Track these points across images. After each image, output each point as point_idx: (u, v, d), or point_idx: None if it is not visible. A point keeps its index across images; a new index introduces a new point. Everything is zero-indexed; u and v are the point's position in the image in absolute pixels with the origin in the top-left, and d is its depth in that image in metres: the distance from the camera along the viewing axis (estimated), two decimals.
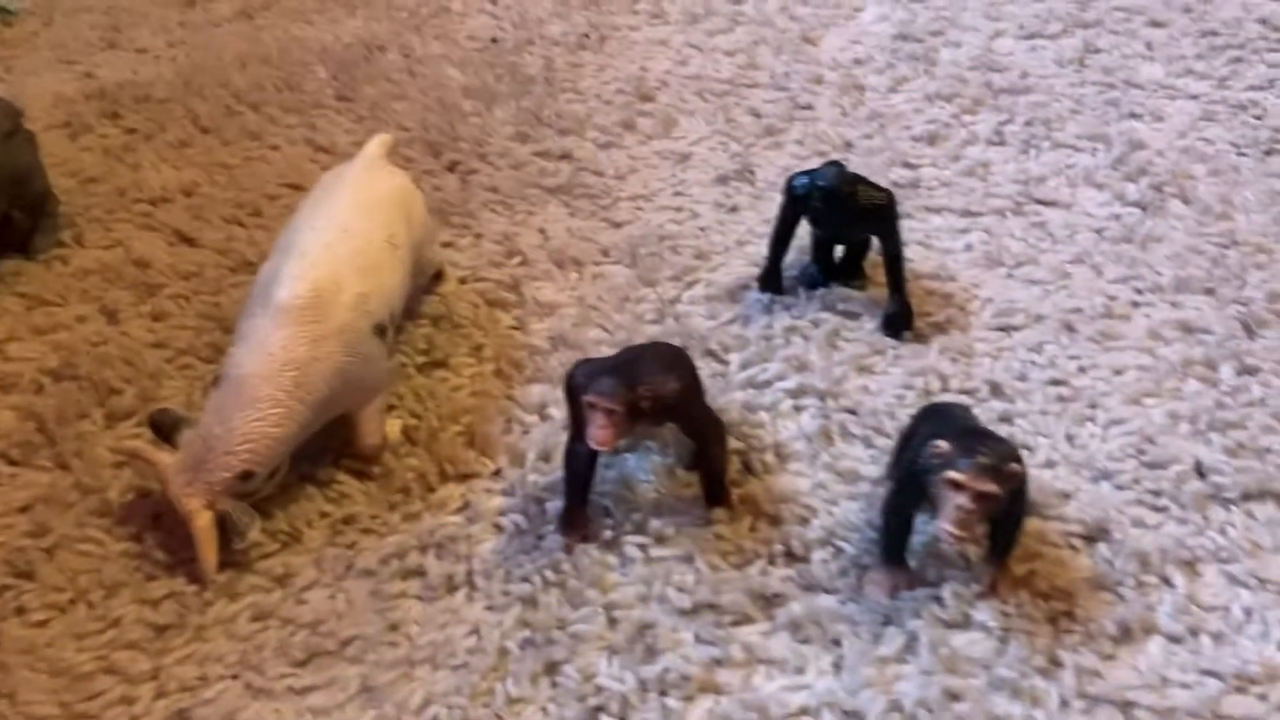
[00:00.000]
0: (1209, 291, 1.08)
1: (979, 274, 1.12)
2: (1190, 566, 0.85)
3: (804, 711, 0.77)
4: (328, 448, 0.95)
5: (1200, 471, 0.91)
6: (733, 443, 0.95)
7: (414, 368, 1.03)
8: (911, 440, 0.85)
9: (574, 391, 0.82)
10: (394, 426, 0.96)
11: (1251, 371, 1.00)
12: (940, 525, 0.75)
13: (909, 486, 0.79)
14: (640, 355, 0.85)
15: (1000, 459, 0.74)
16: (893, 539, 0.82)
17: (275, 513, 0.90)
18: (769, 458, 0.94)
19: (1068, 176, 1.24)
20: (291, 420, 0.84)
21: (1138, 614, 0.81)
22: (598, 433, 0.79)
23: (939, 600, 0.82)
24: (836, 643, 0.81)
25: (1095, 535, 0.87)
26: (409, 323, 1.07)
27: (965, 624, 0.81)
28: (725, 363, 1.03)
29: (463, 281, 1.13)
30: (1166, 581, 0.84)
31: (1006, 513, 0.78)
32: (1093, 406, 0.97)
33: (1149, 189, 1.21)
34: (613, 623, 0.82)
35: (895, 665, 0.79)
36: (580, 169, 1.28)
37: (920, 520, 0.83)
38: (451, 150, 1.31)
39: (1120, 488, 0.91)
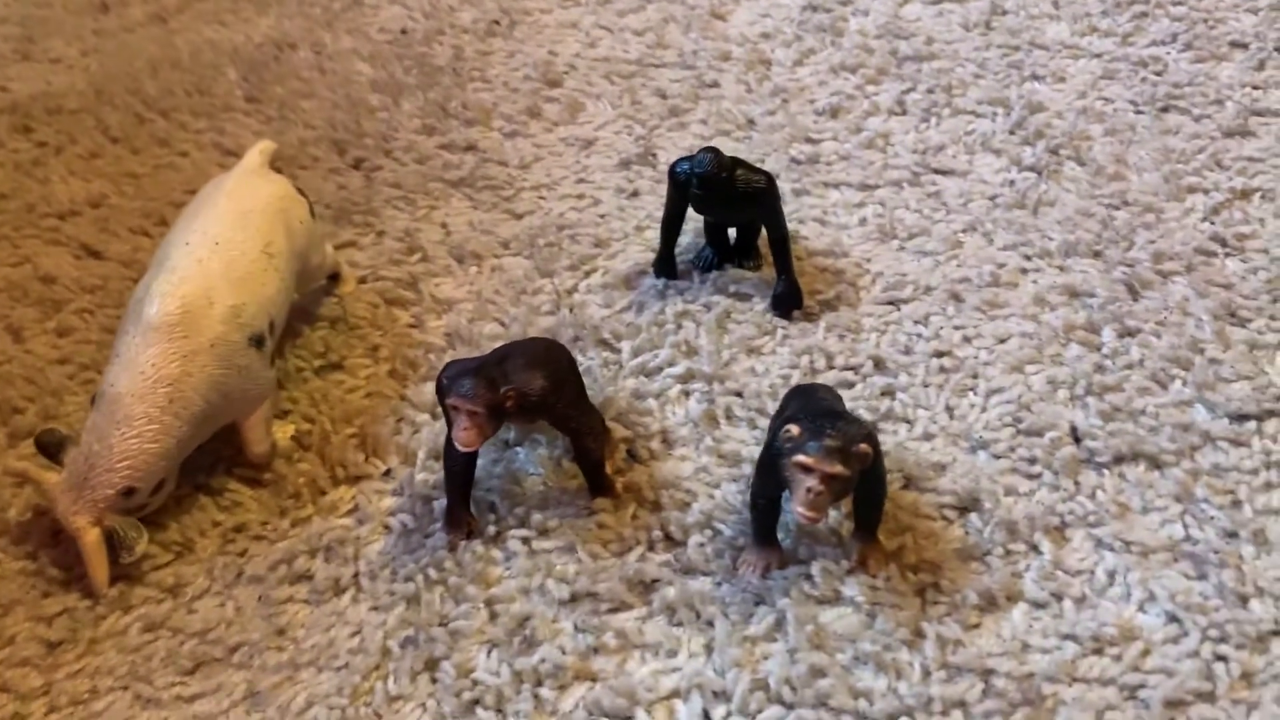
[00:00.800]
0: (1097, 254, 1.10)
1: (872, 248, 1.13)
2: (1058, 532, 0.86)
3: (674, 694, 0.79)
4: (220, 457, 0.97)
5: (1075, 436, 0.93)
6: (621, 431, 0.96)
7: (310, 371, 1.05)
8: (778, 420, 0.87)
9: (442, 393, 0.83)
10: (285, 432, 0.98)
11: (1132, 333, 1.01)
12: (794, 508, 0.76)
13: (768, 470, 0.81)
14: (509, 353, 0.87)
15: (848, 440, 0.76)
16: (761, 520, 0.84)
17: (168, 524, 0.92)
18: (655, 444, 0.96)
19: (966, 144, 1.25)
20: (168, 436, 0.86)
21: (1003, 582, 0.83)
22: (461, 434, 0.80)
23: (809, 578, 0.84)
24: (710, 624, 0.82)
25: (967, 505, 0.88)
26: (306, 326, 1.09)
27: (834, 600, 0.83)
28: (618, 351, 1.04)
29: (362, 281, 1.14)
30: (1034, 548, 0.85)
31: (867, 490, 0.80)
32: (974, 377, 0.99)
33: (1045, 152, 1.22)
34: (493, 617, 0.84)
35: (764, 644, 0.81)
36: (484, 160, 1.29)
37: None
38: (357, 147, 1.32)
39: (996, 456, 0.92)
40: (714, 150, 1.00)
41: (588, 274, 1.13)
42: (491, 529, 0.90)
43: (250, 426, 0.93)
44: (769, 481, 0.82)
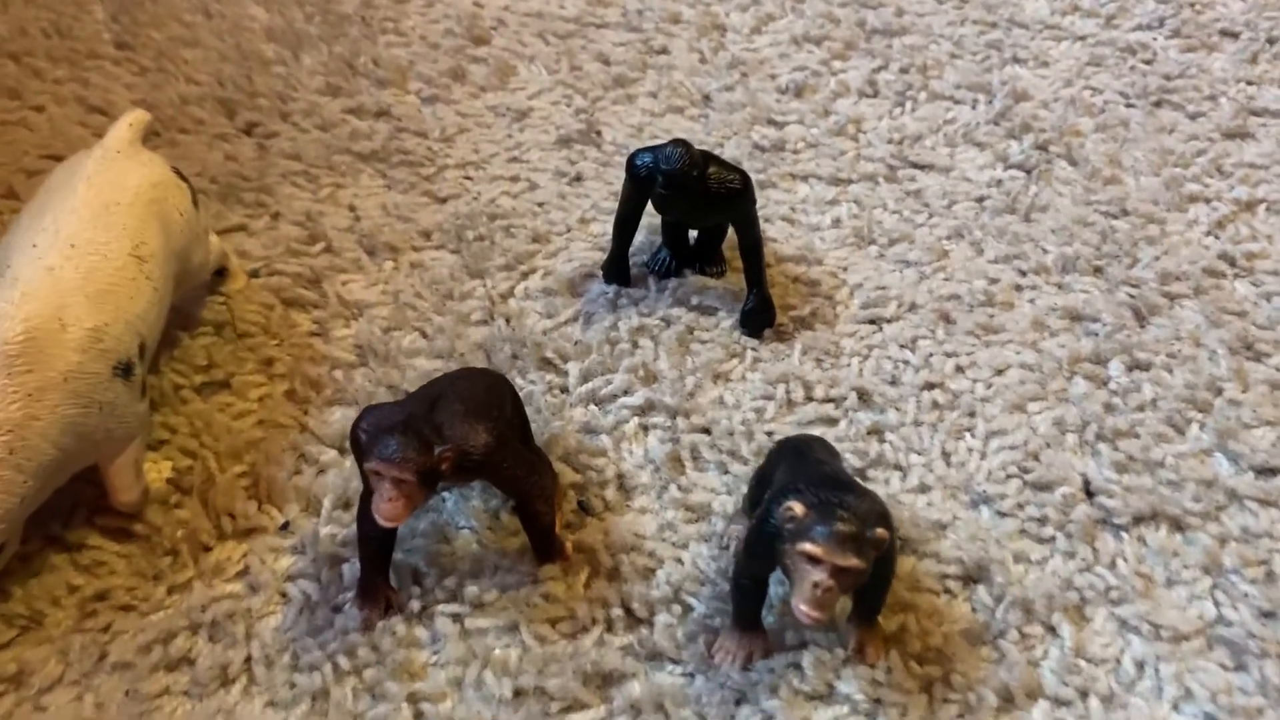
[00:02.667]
0: (1097, 271, 0.98)
1: (848, 255, 1.00)
2: (1078, 611, 0.75)
3: None
4: (79, 501, 0.79)
5: (1089, 491, 0.82)
6: (570, 474, 0.82)
7: (191, 390, 0.87)
8: (764, 482, 0.73)
9: (360, 452, 0.67)
10: (160, 471, 0.81)
11: (1143, 367, 0.90)
12: (796, 605, 0.63)
13: (759, 549, 0.67)
14: (441, 395, 0.71)
15: (863, 523, 0.63)
16: (745, 603, 0.71)
17: (11, 590, 0.75)
18: (610, 493, 0.81)
19: (946, 134, 1.12)
20: (9, 494, 0.68)
21: (1020, 676, 0.71)
22: (385, 506, 0.65)
23: (799, 669, 0.71)
24: None
25: (974, 576, 0.77)
26: (185, 334, 0.90)
27: (828, 697, 0.70)
28: (563, 374, 0.89)
29: (254, 275, 0.96)
30: (1052, 631, 0.74)
31: (874, 575, 0.67)
32: (971, 415, 0.87)
33: (1033, 148, 1.10)
34: (419, 718, 0.69)
35: None
36: (400, 129, 1.11)
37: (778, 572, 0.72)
38: (248, 109, 1.12)
39: (1002, 514, 0.81)
40: (684, 144, 0.85)
41: (525, 275, 0.97)
42: (415, 603, 0.74)
43: (116, 471, 0.75)
44: (758, 563, 0.68)
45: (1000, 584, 0.76)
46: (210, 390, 0.87)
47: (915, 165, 1.08)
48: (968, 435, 0.86)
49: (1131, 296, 0.96)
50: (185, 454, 0.83)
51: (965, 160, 1.09)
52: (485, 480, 0.72)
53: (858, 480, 0.71)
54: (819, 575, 0.62)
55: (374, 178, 1.06)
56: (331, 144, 1.09)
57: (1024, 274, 0.98)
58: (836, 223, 1.03)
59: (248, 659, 0.72)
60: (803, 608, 0.62)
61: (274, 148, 1.08)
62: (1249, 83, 1.18)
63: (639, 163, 0.88)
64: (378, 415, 0.67)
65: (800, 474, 0.68)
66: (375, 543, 0.72)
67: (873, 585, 0.68)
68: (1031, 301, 0.96)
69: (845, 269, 0.98)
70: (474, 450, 0.67)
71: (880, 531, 0.63)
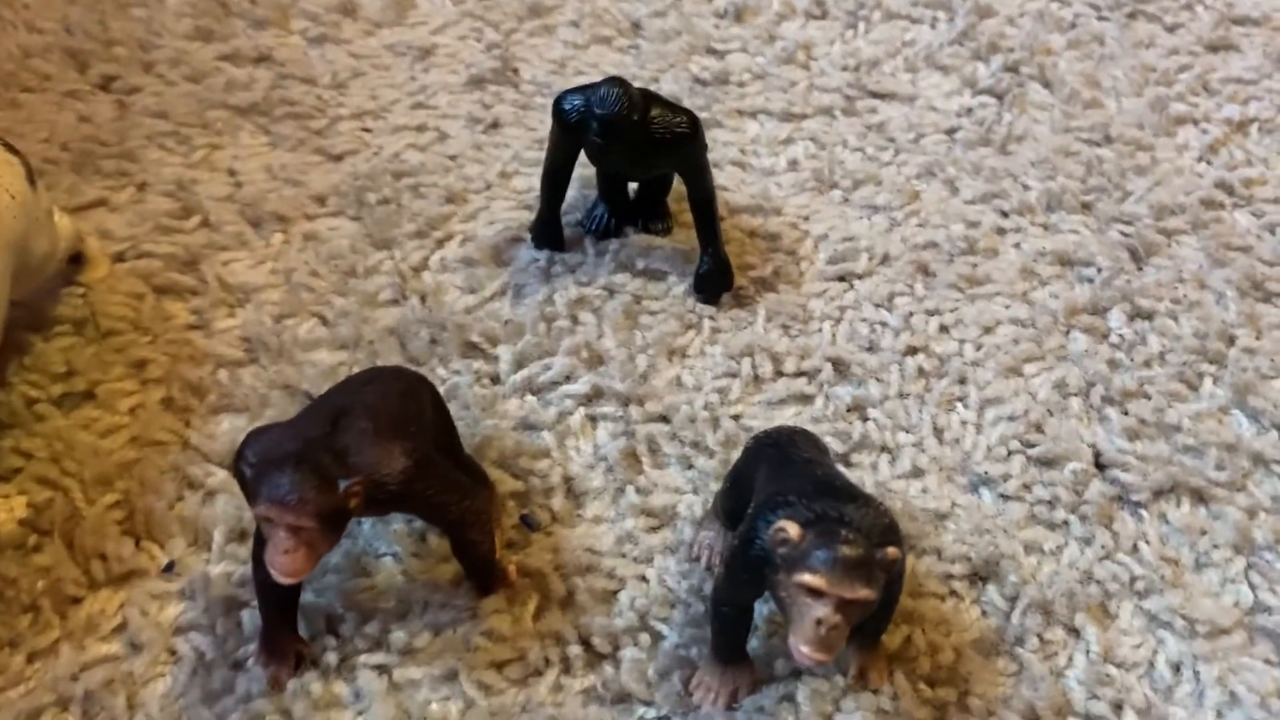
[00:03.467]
0: (1085, 208, 0.88)
1: (808, 201, 0.88)
2: (1102, 609, 0.66)
3: None
4: None
5: (1099, 463, 0.72)
6: (508, 483, 0.69)
7: (48, 404, 0.73)
8: (741, 485, 0.62)
9: (246, 490, 0.54)
10: (13, 509, 0.67)
11: (1146, 315, 0.80)
12: (796, 647, 0.52)
13: (744, 575, 0.56)
14: (345, 409, 0.57)
15: (870, 541, 0.52)
16: (727, 633, 0.60)
17: None
18: (558, 502, 0.69)
19: (906, 58, 1.00)
20: None
21: (1046, 693, 0.61)
22: (281, 560, 0.52)
23: (793, 703, 0.61)
24: None
25: (982, 574, 0.67)
26: (37, 337, 0.76)
27: None
28: (493, 360, 0.76)
29: (119, 260, 0.81)
30: (1075, 634, 0.65)
31: (882, 597, 0.56)
32: (962, 382, 0.76)
33: (1003, 70, 0.98)
34: None
35: None
36: (283, 77, 0.95)
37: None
38: (104, 60, 0.96)
39: (1006, 498, 0.71)
40: (620, 83, 0.72)
41: (440, 243, 0.84)
42: (332, 655, 0.62)
43: None
44: (741, 590, 0.57)
45: (1013, 582, 0.66)
46: (72, 403, 0.73)
47: (875, 95, 0.96)
48: (960, 406, 0.75)
49: (1126, 235, 0.86)
50: (43, 484, 0.69)
51: (930, 87, 0.97)
52: (407, 512, 0.59)
53: (853, 483, 0.60)
54: (822, 611, 0.51)
55: (255, 135, 0.91)
56: (204, 98, 0.93)
57: (1006, 215, 0.87)
58: (793, 164, 0.90)
59: None
60: (804, 650, 0.51)
61: (136, 105, 0.92)
62: None
63: (568, 106, 0.75)
64: (265, 442, 0.54)
65: (787, 480, 0.57)
66: (277, 593, 0.59)
67: (879, 606, 0.57)
68: (1017, 246, 0.85)
69: (807, 218, 0.86)
70: (389, 479, 0.55)
71: (891, 551, 0.52)
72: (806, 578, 0.51)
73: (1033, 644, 0.64)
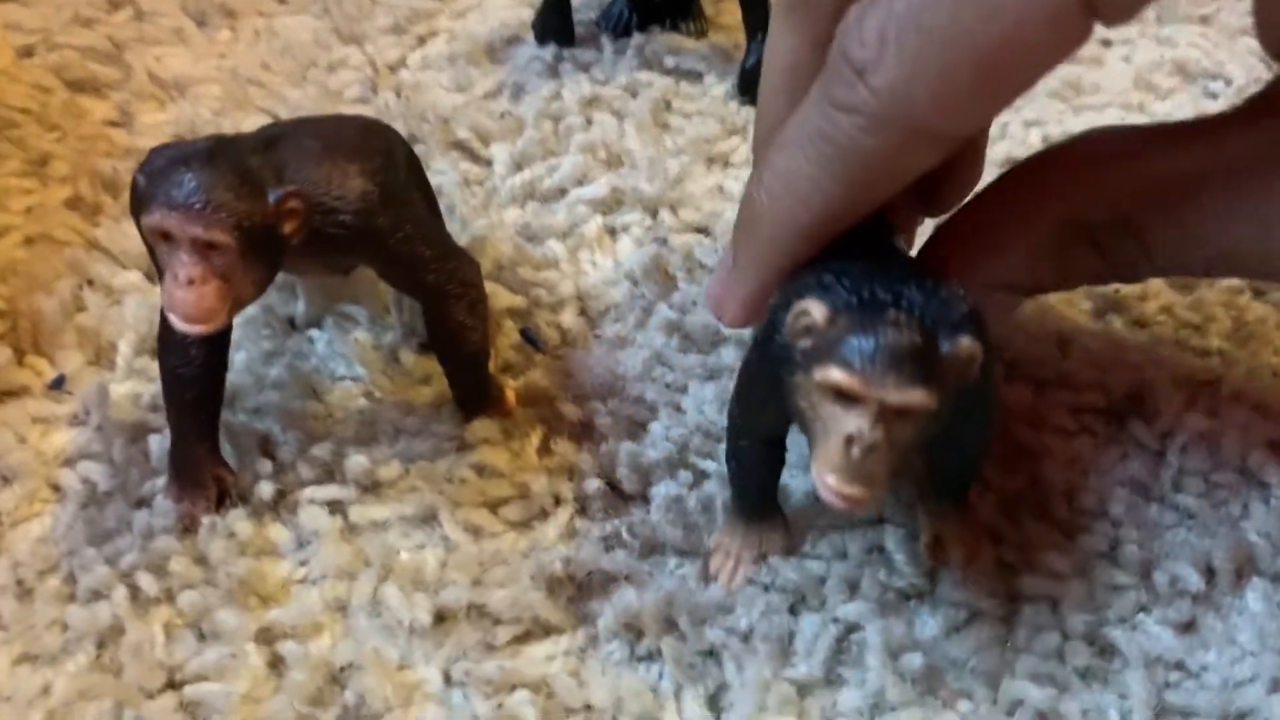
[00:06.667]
0: (1204, 20, 0.73)
1: None
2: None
3: None
4: None
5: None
6: (504, 297, 0.54)
7: None
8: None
9: (139, 205, 0.38)
10: None
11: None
12: (818, 478, 0.35)
13: (760, 388, 0.40)
14: (284, 134, 0.42)
15: (934, 327, 0.35)
16: (746, 478, 0.44)
17: None
18: (568, 318, 0.54)
19: None
20: None
21: (1223, 542, 0.46)
22: (180, 295, 0.36)
23: (884, 555, 0.45)
24: (712, 657, 0.43)
25: (1121, 408, 0.51)
26: None
27: (935, 596, 0.44)
28: (486, 163, 0.61)
29: (27, 55, 0.66)
30: (1250, 477, 0.49)
31: (961, 422, 0.39)
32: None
33: None
34: (276, 667, 0.42)
35: (822, 693, 0.42)
36: None
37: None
38: None
39: (1139, 324, 0.55)
40: None
41: (422, 40, 0.69)
42: (266, 486, 0.46)
43: None
44: (764, 412, 0.41)
45: (1165, 420, 0.50)
46: None
47: None
48: None
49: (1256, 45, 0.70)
50: None
51: None
52: (365, 262, 0.44)
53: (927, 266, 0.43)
54: (855, 423, 0.35)
55: None
56: None
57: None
58: None
59: None
60: (829, 480, 0.35)
61: None
62: None
63: None
64: (175, 149, 0.38)
65: (827, 260, 0.40)
66: (190, 388, 0.43)
67: (957, 440, 0.41)
68: (1126, 59, 0.70)
69: None
70: (341, 205, 0.39)
71: (965, 344, 0.36)
72: (833, 374, 0.35)
73: (1196, 488, 0.48)
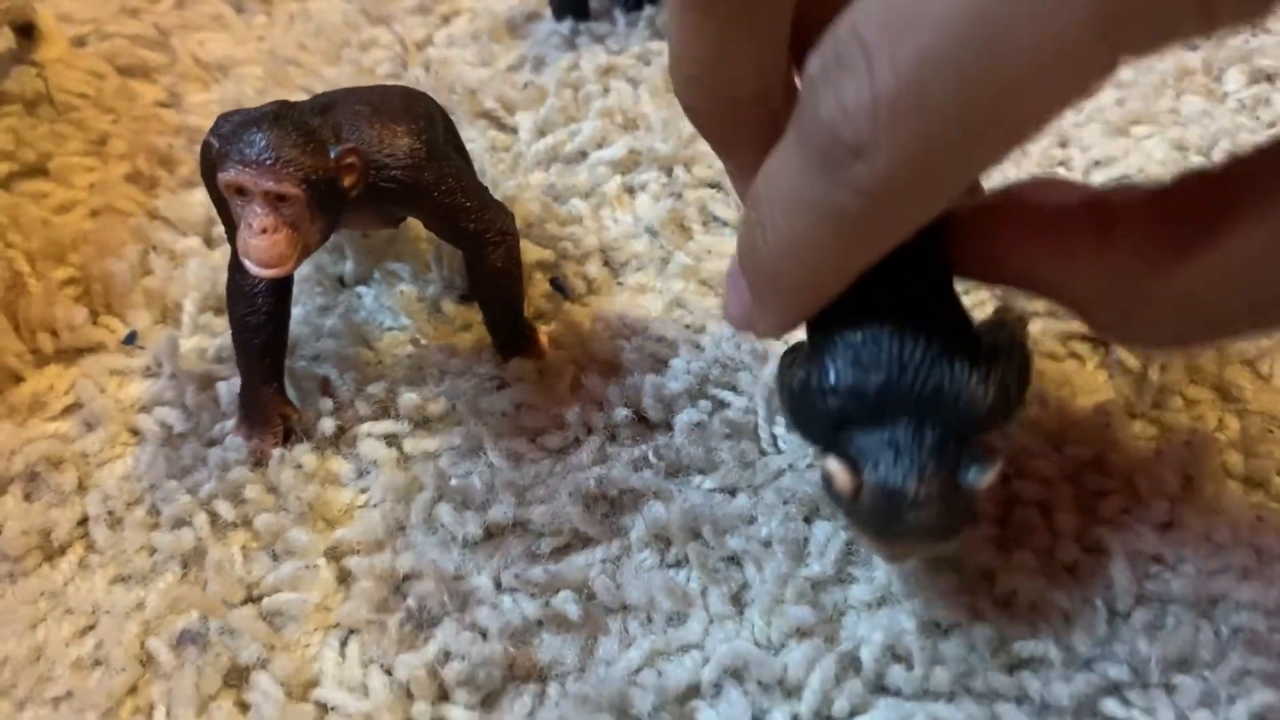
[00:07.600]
0: None
1: None
2: (1251, 368, 0.54)
3: (691, 692, 0.44)
4: None
5: None
6: (534, 251, 0.59)
7: None
8: None
9: (212, 165, 0.43)
10: None
11: (1268, 77, 0.69)
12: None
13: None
14: (336, 101, 0.47)
15: (953, 469, 0.36)
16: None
17: None
18: (593, 269, 0.58)
19: None
20: None
21: (1199, 452, 0.50)
22: (256, 243, 0.41)
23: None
24: (734, 562, 0.47)
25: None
26: None
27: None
28: (512, 130, 0.66)
29: (80, 45, 0.71)
30: (1224, 395, 0.53)
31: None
32: (1063, 145, 0.65)
33: None
34: (344, 581, 0.47)
35: (839, 589, 0.46)
36: None
37: None
38: None
39: None
40: None
41: (446, 19, 0.73)
42: (328, 423, 0.51)
43: None
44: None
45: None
46: (18, 180, 0.62)
47: None
48: (1061, 169, 0.64)
49: None
50: None
51: None
52: (413, 213, 0.48)
53: None
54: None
55: None
56: None
57: None
58: None
59: (83, 520, 0.49)
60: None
61: None
62: None
63: None
64: (242, 114, 0.43)
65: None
66: (259, 336, 0.48)
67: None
68: None
69: None
70: (392, 161, 0.44)
71: (987, 479, 0.36)
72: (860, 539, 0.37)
73: (1176, 404, 0.53)
